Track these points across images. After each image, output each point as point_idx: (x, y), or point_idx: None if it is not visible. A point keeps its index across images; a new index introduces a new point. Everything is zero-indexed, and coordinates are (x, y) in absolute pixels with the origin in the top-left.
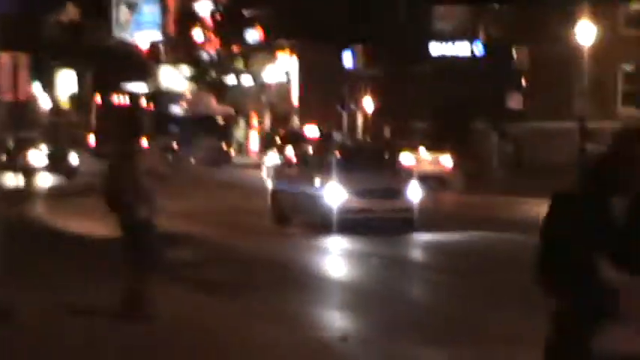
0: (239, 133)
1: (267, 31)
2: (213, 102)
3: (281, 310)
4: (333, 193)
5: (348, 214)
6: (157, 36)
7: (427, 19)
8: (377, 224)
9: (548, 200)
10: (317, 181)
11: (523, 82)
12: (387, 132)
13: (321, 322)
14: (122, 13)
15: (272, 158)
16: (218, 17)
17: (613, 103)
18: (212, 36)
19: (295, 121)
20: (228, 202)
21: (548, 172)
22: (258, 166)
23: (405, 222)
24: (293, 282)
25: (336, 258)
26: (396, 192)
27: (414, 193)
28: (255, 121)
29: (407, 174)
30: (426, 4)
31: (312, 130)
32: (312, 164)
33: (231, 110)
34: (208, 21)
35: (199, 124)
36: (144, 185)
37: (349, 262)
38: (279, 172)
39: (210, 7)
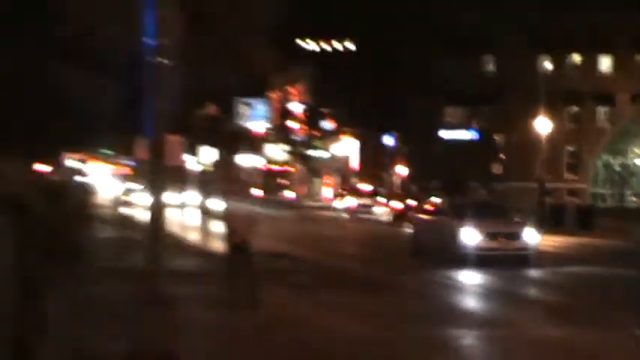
0: (316, 186)
1: (336, 122)
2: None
3: (350, 303)
4: (469, 235)
5: (480, 251)
6: (266, 124)
7: (439, 115)
8: (501, 260)
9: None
10: (455, 224)
11: (502, 156)
12: (414, 189)
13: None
14: (243, 109)
15: (339, 203)
16: (305, 113)
17: (560, 171)
18: (301, 125)
19: (354, 180)
20: (323, 231)
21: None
22: (328, 208)
23: (523, 259)
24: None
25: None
26: (517, 234)
27: (530, 235)
28: (328, 180)
29: (522, 221)
30: (438, 105)
31: (365, 187)
32: (451, 212)
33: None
34: (299, 115)
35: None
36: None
37: (455, 286)
38: (417, 219)
39: (301, 106)
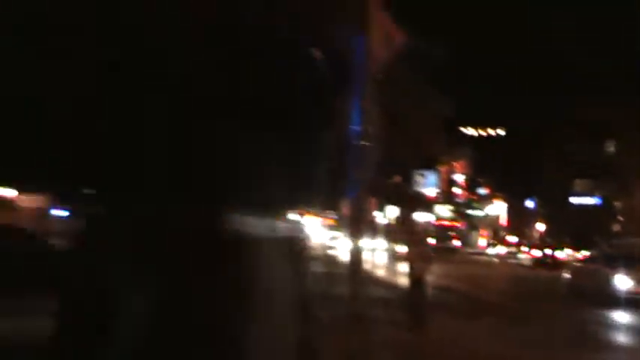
0: (474, 237)
1: (490, 189)
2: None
3: (504, 329)
4: (622, 281)
5: (631, 295)
6: (436, 190)
7: (570, 185)
8: None
9: None
10: (609, 271)
11: (620, 217)
12: (549, 241)
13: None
14: (419, 178)
15: (491, 250)
16: (466, 181)
17: None
18: (463, 190)
19: (503, 233)
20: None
21: None
22: (483, 254)
23: None
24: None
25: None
26: None
27: None
28: (483, 232)
29: None
30: (570, 177)
31: (512, 238)
32: (604, 260)
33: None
34: (461, 183)
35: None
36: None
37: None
38: (572, 266)
39: (462, 176)
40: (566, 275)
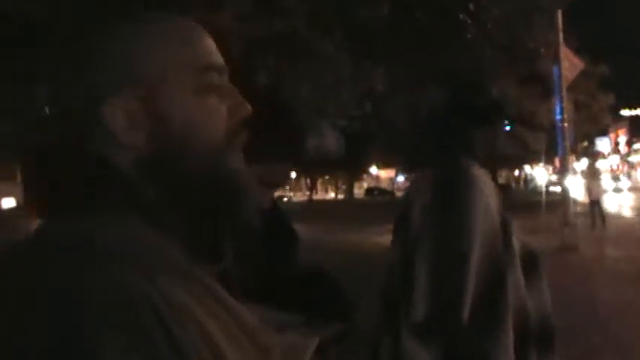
0: (633, 175)
1: None
2: None
3: None
4: None
5: None
6: (608, 147)
7: None
8: None
9: None
10: None
11: None
12: None
13: None
14: (598, 142)
15: None
16: (627, 142)
17: None
18: (624, 146)
19: None
20: None
21: None
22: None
23: None
24: None
25: None
26: None
27: None
28: (636, 171)
29: None
30: None
31: None
32: None
33: None
34: (623, 142)
35: None
36: None
37: None
38: None
39: (624, 138)
40: None
